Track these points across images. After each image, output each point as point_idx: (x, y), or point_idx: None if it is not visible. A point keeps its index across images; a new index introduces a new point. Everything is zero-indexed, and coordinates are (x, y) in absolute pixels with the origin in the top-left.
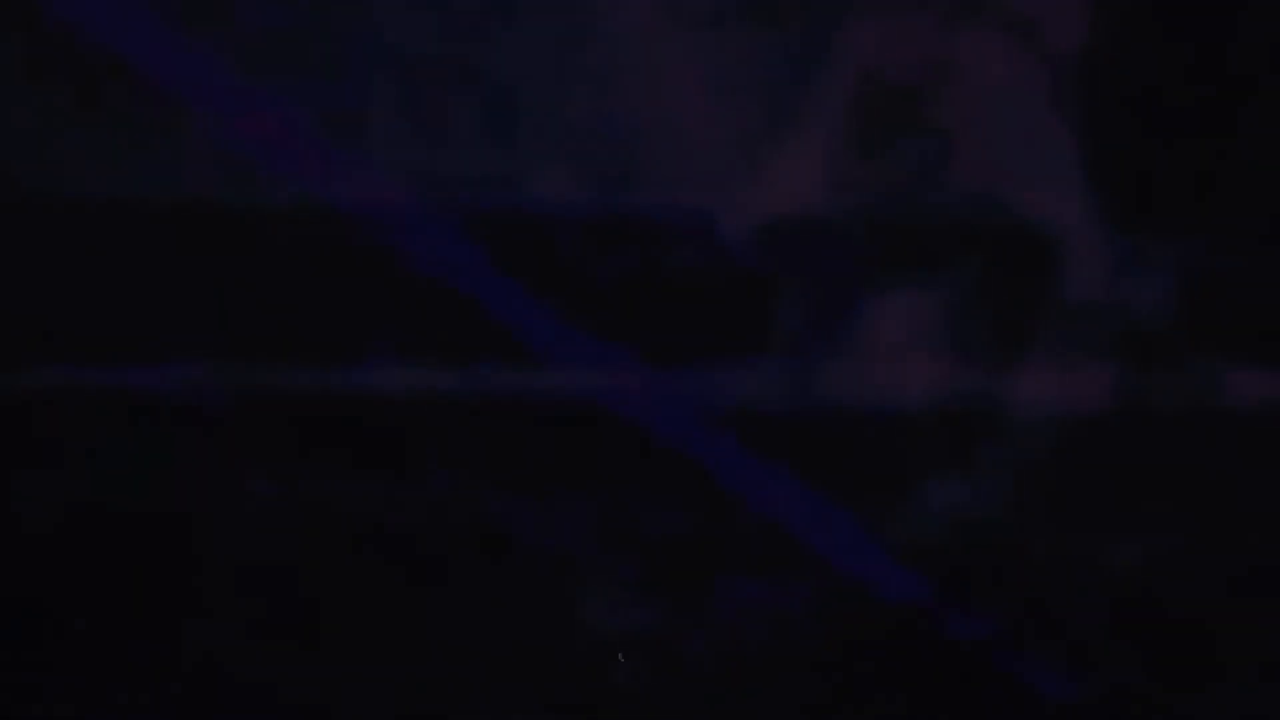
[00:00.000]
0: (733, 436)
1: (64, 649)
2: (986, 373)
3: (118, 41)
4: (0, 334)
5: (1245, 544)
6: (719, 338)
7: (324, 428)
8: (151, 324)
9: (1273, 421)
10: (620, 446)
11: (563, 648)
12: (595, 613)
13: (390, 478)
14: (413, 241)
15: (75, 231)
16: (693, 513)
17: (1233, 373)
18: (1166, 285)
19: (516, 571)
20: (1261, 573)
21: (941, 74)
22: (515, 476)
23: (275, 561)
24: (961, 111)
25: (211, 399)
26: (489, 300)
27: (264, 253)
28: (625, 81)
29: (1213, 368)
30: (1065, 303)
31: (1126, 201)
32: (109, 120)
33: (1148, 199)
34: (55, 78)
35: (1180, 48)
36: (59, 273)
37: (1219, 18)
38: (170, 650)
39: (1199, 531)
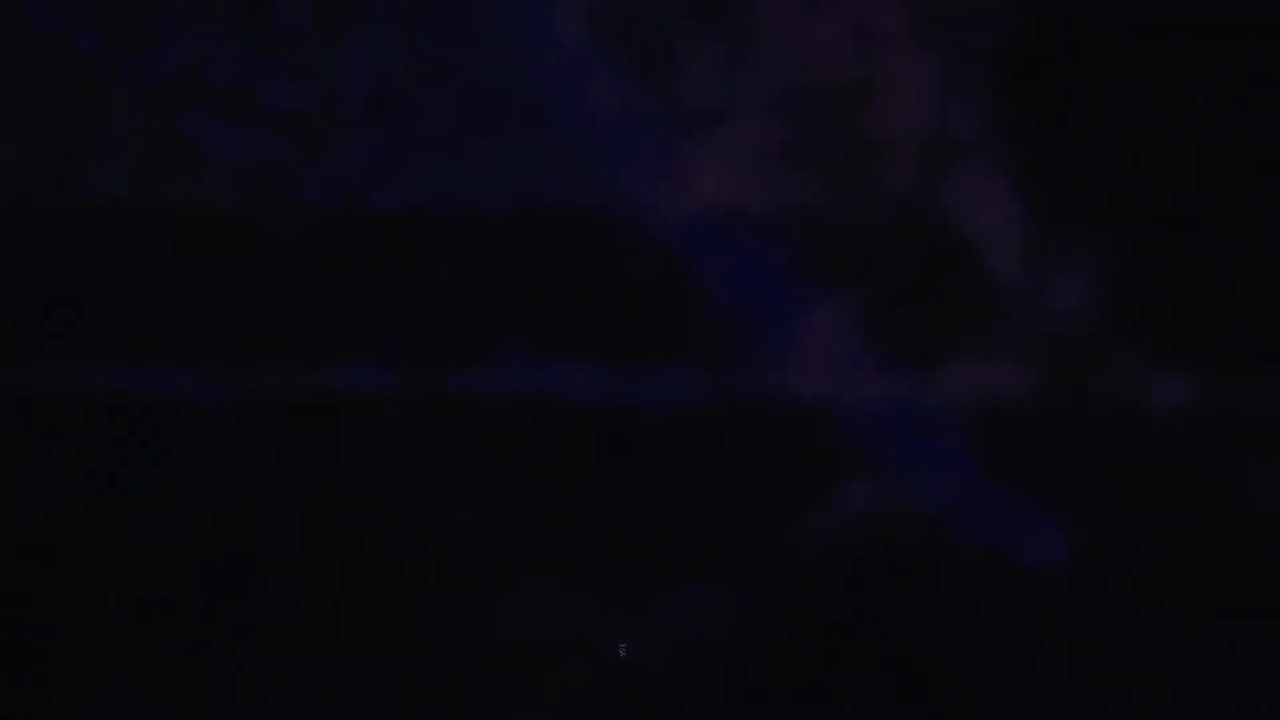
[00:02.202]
0: (674, 433)
1: (64, 649)
2: (913, 370)
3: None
4: (0, 334)
5: (1170, 539)
6: (659, 339)
7: (315, 426)
8: (151, 324)
9: (1192, 421)
10: (566, 445)
11: (511, 644)
12: (536, 607)
13: (343, 474)
14: (381, 241)
15: (76, 231)
16: (637, 510)
17: (1154, 373)
18: (1092, 288)
19: (465, 568)
20: (1186, 568)
21: (870, 76)
22: (472, 476)
23: (274, 560)
24: (890, 113)
25: (212, 399)
26: (446, 301)
27: (262, 254)
28: (561, 88)
29: (1136, 369)
30: (991, 303)
31: (1053, 204)
32: (108, 121)
33: (1075, 202)
34: (55, 78)
35: (1105, 52)
36: (58, 273)
37: (1145, 18)
38: (170, 650)
39: (1124, 527)
